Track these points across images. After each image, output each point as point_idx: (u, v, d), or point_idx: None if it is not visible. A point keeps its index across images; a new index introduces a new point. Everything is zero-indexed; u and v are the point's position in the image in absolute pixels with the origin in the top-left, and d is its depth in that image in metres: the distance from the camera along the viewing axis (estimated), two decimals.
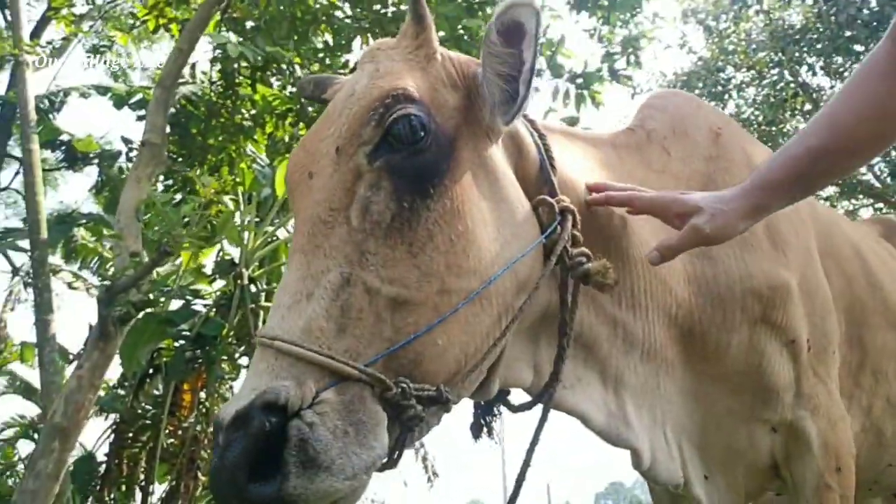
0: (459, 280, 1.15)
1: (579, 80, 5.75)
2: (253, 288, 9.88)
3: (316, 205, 1.17)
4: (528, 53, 1.23)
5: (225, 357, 9.78)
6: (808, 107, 11.52)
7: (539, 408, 1.43)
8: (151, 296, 5.57)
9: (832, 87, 11.36)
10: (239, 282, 9.63)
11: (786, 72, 11.23)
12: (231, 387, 10.93)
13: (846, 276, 1.97)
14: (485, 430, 1.51)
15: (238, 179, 8.57)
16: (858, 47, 9.98)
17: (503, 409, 1.52)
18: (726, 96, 11.92)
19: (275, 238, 10.16)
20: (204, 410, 9.87)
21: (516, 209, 1.29)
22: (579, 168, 1.51)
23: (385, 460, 1.08)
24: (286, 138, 7.94)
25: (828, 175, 1.41)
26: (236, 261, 9.58)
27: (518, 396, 1.51)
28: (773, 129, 11.77)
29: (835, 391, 1.74)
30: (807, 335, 1.68)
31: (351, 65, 7.42)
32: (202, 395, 9.92)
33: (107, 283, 5.01)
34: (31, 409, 11.95)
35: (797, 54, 10.86)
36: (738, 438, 1.68)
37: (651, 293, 1.53)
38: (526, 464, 1.41)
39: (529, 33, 1.22)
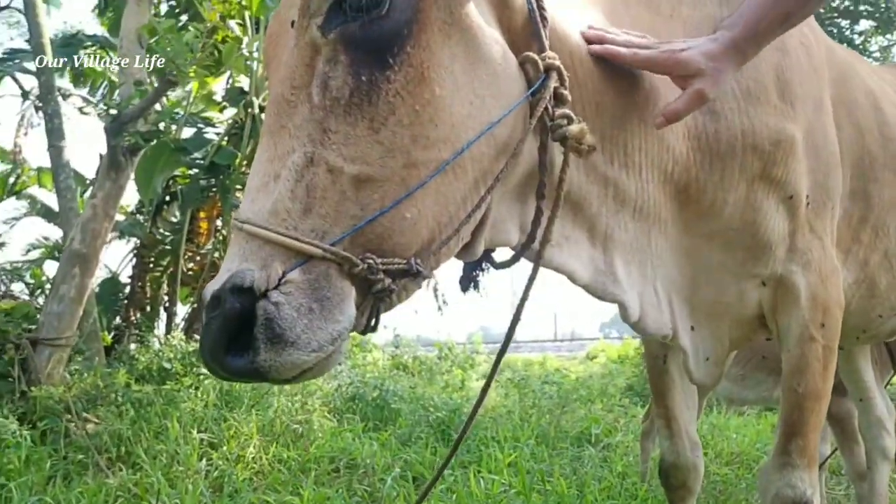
0: (427, 151, 1.11)
1: None
2: (263, 116, 9.78)
3: (280, 83, 1.13)
4: None
5: (238, 186, 9.88)
6: None
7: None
8: (161, 125, 5.49)
9: None
10: (249, 110, 9.51)
11: None
12: None
13: (858, 127, 1.89)
14: (472, 283, 1.51)
15: (244, 2, 8.20)
16: None
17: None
18: None
19: None
20: (220, 238, 10.11)
21: (497, 69, 1.20)
22: (576, 18, 1.39)
23: (362, 328, 1.13)
24: None
25: (812, 11, 1.40)
26: (246, 88, 9.40)
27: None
28: None
29: (829, 246, 1.73)
30: (807, 191, 1.65)
31: None
32: (218, 222, 10.12)
33: (114, 112, 4.94)
34: (54, 232, 12.32)
35: None
36: (727, 292, 1.69)
37: (646, 150, 1.47)
38: (515, 319, 1.43)
39: None
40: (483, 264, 1.48)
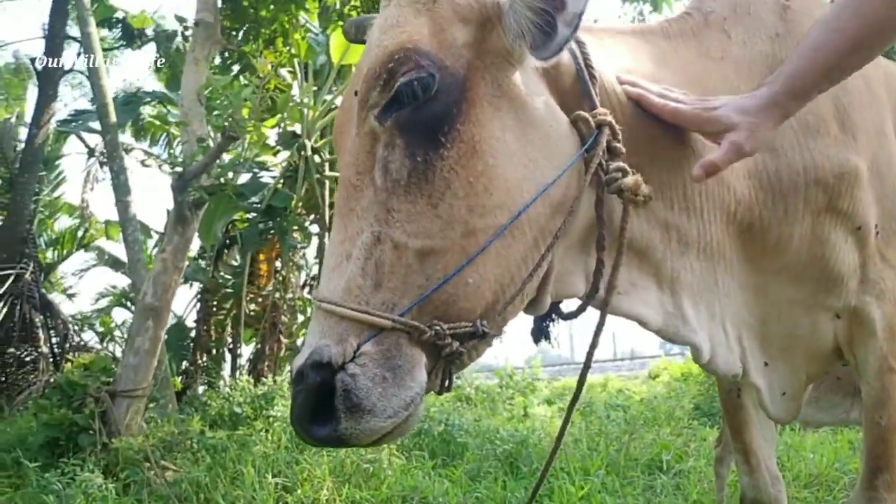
0: (484, 219, 1.17)
1: None
2: (317, 158, 10.01)
3: (347, 168, 1.23)
4: None
5: (295, 227, 10.11)
6: None
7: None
8: (222, 179, 5.71)
9: None
10: (302, 153, 9.75)
11: None
12: (304, 255, 11.40)
13: None
14: (543, 335, 1.58)
15: (293, 51, 8.47)
16: None
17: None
18: None
19: (334, 106, 10.12)
20: (280, 278, 10.36)
21: (549, 131, 1.26)
22: (626, 72, 1.44)
23: (437, 389, 1.22)
24: (337, 4, 7.72)
25: (858, 67, 1.37)
26: (298, 132, 9.66)
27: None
28: None
29: None
30: (875, 220, 1.63)
31: None
32: (277, 264, 10.37)
33: (178, 170, 5.18)
34: (121, 280, 12.79)
35: None
36: (800, 326, 1.68)
37: (706, 193, 1.49)
38: (586, 367, 1.49)
39: None
40: (552, 315, 1.53)
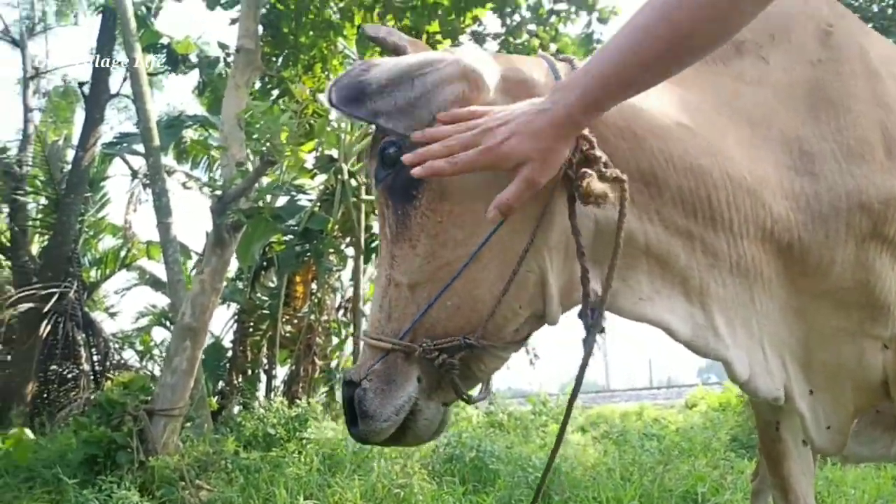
0: (455, 250, 1.34)
1: None
2: (353, 182, 10.14)
3: (380, 224, 1.47)
4: None
5: (331, 250, 10.23)
6: None
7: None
8: (260, 203, 5.82)
9: None
10: (339, 177, 9.88)
11: None
12: (339, 277, 11.50)
13: None
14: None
15: (331, 76, 8.63)
16: None
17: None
18: None
19: (370, 131, 10.16)
20: (316, 300, 10.46)
21: None
22: (636, 122, 1.44)
23: (453, 398, 1.42)
24: None
25: (666, 76, 1.28)
26: (335, 156, 9.80)
27: None
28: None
29: None
30: None
31: None
32: (313, 286, 10.48)
33: (218, 193, 5.29)
34: (161, 300, 13.02)
35: None
36: (846, 355, 1.63)
37: (735, 206, 1.46)
38: (582, 370, 1.48)
39: None
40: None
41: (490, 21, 7.71)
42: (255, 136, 5.19)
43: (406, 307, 1.37)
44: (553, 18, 7.45)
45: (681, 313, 1.48)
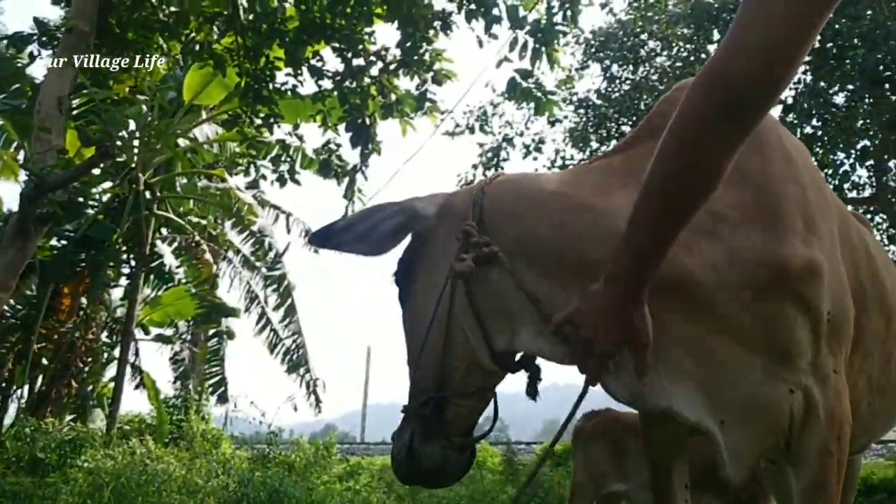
0: (416, 338, 1.84)
1: (539, 35, 5.82)
2: (148, 194, 9.40)
3: None
4: None
5: (111, 263, 9.32)
6: None
7: None
8: (81, 198, 5.21)
9: None
10: (134, 186, 9.14)
11: (699, 48, 11.83)
12: (110, 294, 10.45)
13: (855, 263, 2.05)
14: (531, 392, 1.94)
15: (148, 80, 8.06)
16: None
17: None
18: (638, 61, 12.47)
19: (179, 145, 9.61)
20: (84, 316, 9.39)
21: (439, 265, 1.82)
22: (525, 193, 1.85)
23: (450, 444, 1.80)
24: (210, 44, 7.47)
25: (675, 232, 1.47)
26: (133, 164, 9.03)
27: None
28: None
29: (842, 365, 1.84)
30: (828, 308, 1.76)
31: None
32: (83, 300, 9.42)
33: (35, 178, 4.63)
34: None
35: (711, 33, 11.41)
36: (754, 393, 1.77)
37: (607, 251, 1.65)
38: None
39: None
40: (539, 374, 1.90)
41: (332, 59, 7.66)
42: (93, 124, 4.67)
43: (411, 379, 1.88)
44: (394, 67, 7.63)
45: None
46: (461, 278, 1.77)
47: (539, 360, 1.88)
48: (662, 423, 2.04)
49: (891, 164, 11.88)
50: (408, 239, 1.94)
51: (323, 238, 1.86)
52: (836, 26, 9.74)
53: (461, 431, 1.80)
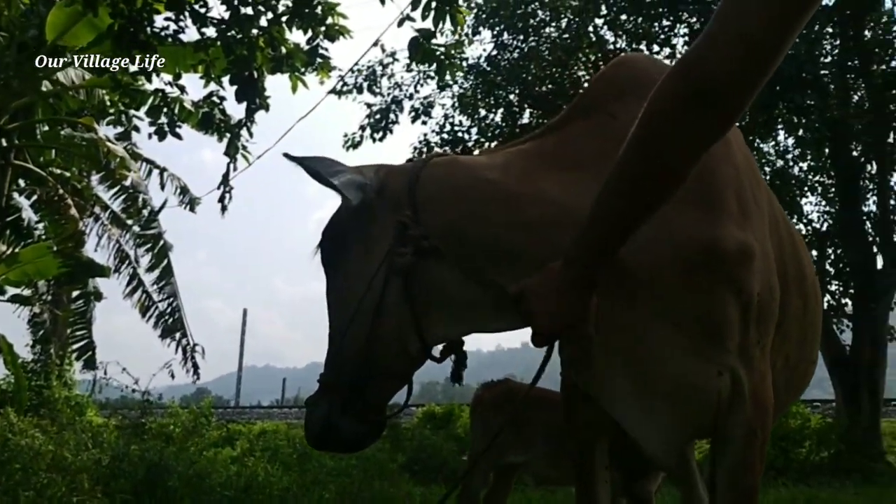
0: (339, 320, 1.85)
1: None
2: (4, 142, 8.55)
3: None
4: None
5: None
6: (594, 58, 12.42)
7: None
8: None
9: (615, 44, 12.37)
10: None
11: (586, 20, 11.98)
12: None
13: (780, 243, 2.07)
14: (455, 377, 1.99)
15: (6, 13, 7.27)
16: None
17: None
18: (527, 31, 12.42)
19: (45, 88, 8.72)
20: None
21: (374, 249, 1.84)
22: (453, 181, 1.85)
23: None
24: None
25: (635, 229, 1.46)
26: None
27: None
28: (564, 72, 12.61)
29: (767, 347, 1.87)
30: (758, 290, 1.77)
31: None
32: None
33: None
34: None
35: (599, 6, 11.59)
36: (686, 374, 1.78)
37: (539, 237, 1.74)
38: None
39: None
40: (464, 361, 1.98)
41: (217, 6, 7.16)
42: None
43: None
44: (287, 20, 7.24)
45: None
46: (401, 274, 1.79)
47: (465, 347, 1.95)
48: (587, 400, 2.01)
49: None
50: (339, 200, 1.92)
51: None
52: None
53: (377, 409, 1.87)
